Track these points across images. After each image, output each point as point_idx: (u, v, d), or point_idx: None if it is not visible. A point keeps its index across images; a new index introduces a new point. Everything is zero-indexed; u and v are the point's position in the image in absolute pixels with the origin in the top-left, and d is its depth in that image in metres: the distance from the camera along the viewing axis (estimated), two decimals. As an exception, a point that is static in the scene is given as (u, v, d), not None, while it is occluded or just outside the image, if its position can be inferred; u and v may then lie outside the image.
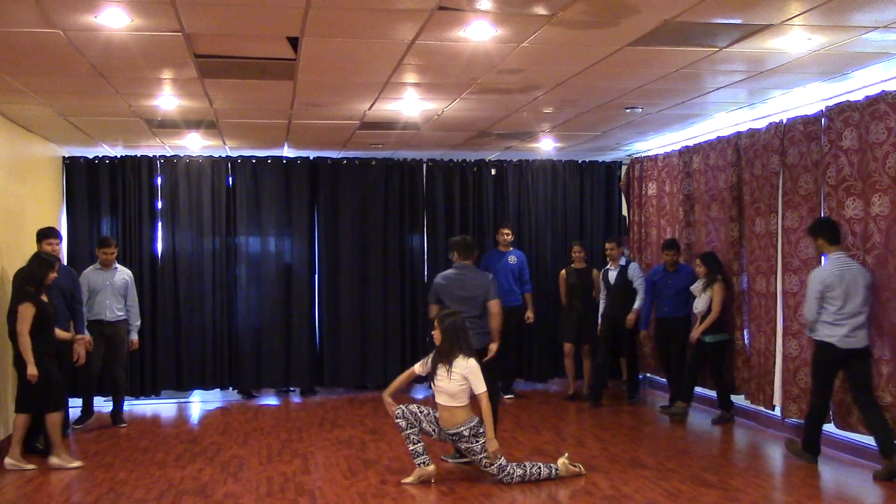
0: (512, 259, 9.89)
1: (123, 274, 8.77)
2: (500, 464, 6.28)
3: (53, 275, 7.03)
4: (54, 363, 6.95)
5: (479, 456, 6.27)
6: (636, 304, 9.37)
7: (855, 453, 6.94)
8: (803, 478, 6.59)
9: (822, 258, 6.86)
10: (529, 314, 9.98)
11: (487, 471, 6.31)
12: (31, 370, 6.67)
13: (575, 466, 6.48)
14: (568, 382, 10.12)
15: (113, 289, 8.56)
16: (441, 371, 6.31)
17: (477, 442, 6.24)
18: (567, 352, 9.97)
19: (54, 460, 6.93)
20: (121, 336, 8.63)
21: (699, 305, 8.47)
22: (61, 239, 8.25)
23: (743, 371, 8.43)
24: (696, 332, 8.46)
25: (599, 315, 9.72)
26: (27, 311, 6.71)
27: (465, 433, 6.23)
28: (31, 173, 8.87)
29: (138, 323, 8.86)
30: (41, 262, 7.01)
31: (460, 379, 6.22)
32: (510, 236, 10.01)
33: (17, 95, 6.91)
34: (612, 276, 9.55)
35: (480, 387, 6.22)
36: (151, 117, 7.97)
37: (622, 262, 9.53)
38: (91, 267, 8.70)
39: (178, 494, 6.16)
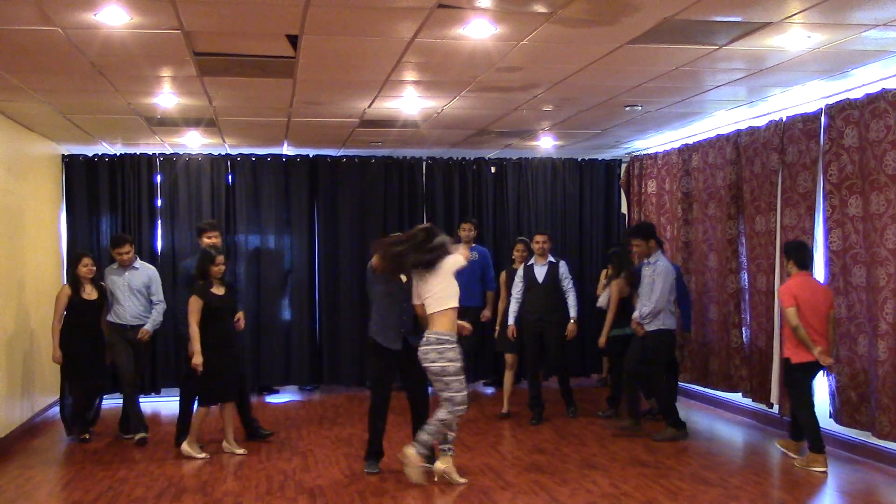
0: (474, 255, 9.15)
1: (144, 273, 8.03)
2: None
3: (216, 267, 7.10)
4: (221, 355, 7.04)
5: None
6: (572, 313, 8.43)
7: (856, 451, 6.95)
8: (803, 476, 6.59)
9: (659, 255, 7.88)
10: (486, 312, 9.39)
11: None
12: (196, 360, 6.95)
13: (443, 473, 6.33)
14: (503, 399, 8.86)
15: (131, 290, 7.88)
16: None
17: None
18: (510, 363, 8.80)
19: (225, 445, 7.31)
20: (142, 340, 7.95)
21: (601, 301, 8.60)
22: (221, 230, 8.02)
23: (741, 369, 8.43)
24: (603, 339, 8.36)
25: (511, 316, 8.55)
26: (193, 304, 7.01)
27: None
28: (30, 171, 8.87)
29: (159, 320, 8.08)
30: (202, 255, 7.25)
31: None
32: (472, 232, 9.44)
33: (16, 93, 6.90)
34: (541, 273, 8.50)
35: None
36: (151, 115, 7.97)
37: (551, 258, 8.58)
38: (112, 265, 8.09)
39: (177, 492, 6.16)
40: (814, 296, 6.62)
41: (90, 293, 7.78)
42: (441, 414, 6.15)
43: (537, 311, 8.46)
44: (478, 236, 9.91)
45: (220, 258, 7.19)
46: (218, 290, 7.17)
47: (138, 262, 8.10)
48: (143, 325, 7.90)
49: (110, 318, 7.85)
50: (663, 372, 7.89)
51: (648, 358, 7.68)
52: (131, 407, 7.87)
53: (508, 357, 8.82)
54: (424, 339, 6.19)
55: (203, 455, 7.14)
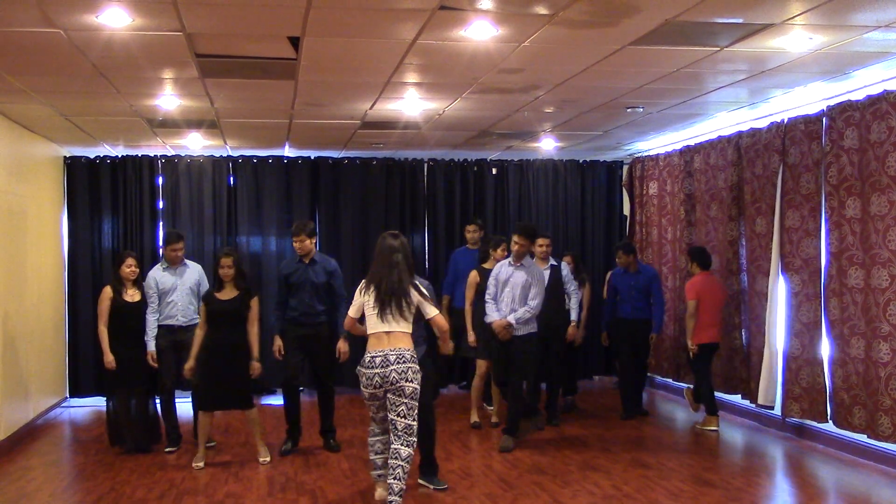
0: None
1: (195, 271, 7.75)
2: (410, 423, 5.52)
3: (222, 270, 6.84)
4: (213, 363, 6.80)
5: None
6: (574, 315, 8.32)
7: (856, 453, 6.94)
8: (804, 477, 6.60)
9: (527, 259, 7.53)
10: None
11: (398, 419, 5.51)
12: (187, 363, 6.98)
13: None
14: (475, 408, 8.38)
15: (184, 289, 7.56)
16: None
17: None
18: (485, 371, 8.20)
19: (196, 462, 6.92)
20: (191, 342, 7.34)
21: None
22: (310, 233, 7.39)
23: (741, 370, 8.42)
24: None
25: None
26: (200, 308, 7.03)
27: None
28: (32, 173, 8.88)
29: None
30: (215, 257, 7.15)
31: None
32: (478, 233, 9.27)
33: (18, 95, 6.91)
34: (545, 276, 8.02)
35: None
36: (152, 117, 7.98)
37: (552, 261, 8.30)
38: (157, 266, 7.70)
39: (179, 494, 6.16)
40: (713, 293, 8.08)
41: (133, 295, 7.37)
42: (412, 439, 5.47)
43: (542, 316, 7.79)
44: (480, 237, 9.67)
45: (226, 260, 6.89)
46: (224, 294, 6.91)
47: (186, 261, 7.76)
48: (194, 325, 7.32)
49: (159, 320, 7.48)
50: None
51: (524, 361, 7.38)
52: (167, 414, 7.58)
53: (483, 364, 8.17)
54: (399, 356, 5.46)
55: (198, 465, 6.85)
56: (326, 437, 7.58)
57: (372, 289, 5.62)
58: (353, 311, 5.76)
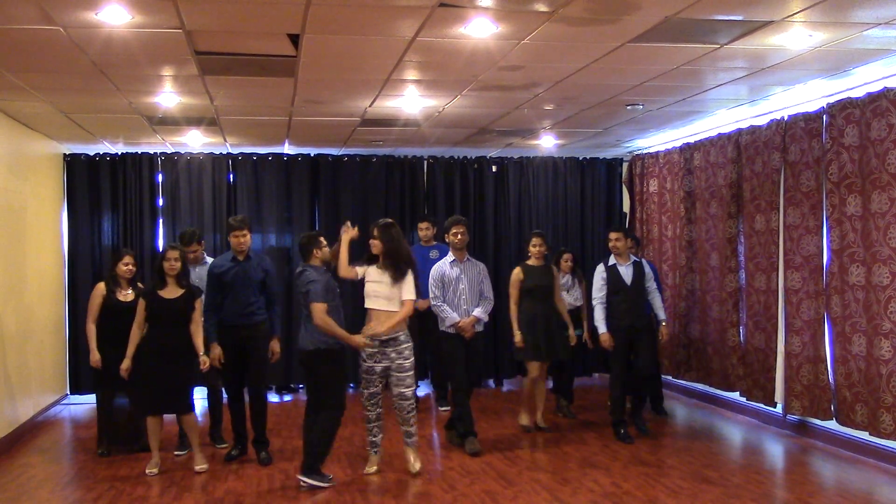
0: (434, 254, 8.72)
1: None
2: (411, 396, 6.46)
3: (167, 263, 6.57)
4: (157, 364, 6.53)
5: (405, 374, 6.38)
6: (662, 315, 7.78)
7: (857, 450, 6.95)
8: (804, 475, 6.60)
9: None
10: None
11: (400, 391, 6.41)
12: (123, 364, 6.73)
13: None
14: (525, 411, 8.11)
15: (202, 283, 7.16)
16: (383, 276, 6.33)
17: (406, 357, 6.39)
18: (539, 373, 7.90)
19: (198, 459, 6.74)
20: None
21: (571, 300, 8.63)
22: (251, 228, 7.12)
23: (738, 368, 8.43)
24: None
25: (602, 324, 7.60)
26: (138, 306, 6.74)
27: (402, 338, 6.38)
28: (31, 170, 8.88)
29: None
30: (161, 252, 6.87)
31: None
32: (430, 231, 9.05)
33: (17, 92, 6.91)
34: (628, 274, 7.62)
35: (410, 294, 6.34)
36: (152, 114, 7.97)
37: (633, 257, 7.79)
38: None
39: (179, 491, 6.17)
40: None
41: (127, 295, 7.17)
42: (411, 415, 6.47)
43: (627, 316, 7.54)
44: (482, 236, 9.64)
45: (173, 253, 6.61)
46: (168, 293, 6.59)
47: (207, 259, 7.49)
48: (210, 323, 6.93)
49: None
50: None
51: (479, 359, 7.52)
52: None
53: (533, 366, 7.85)
54: (393, 338, 6.34)
55: (150, 471, 6.60)
56: (258, 448, 7.02)
57: (383, 270, 6.31)
58: (355, 270, 6.42)
